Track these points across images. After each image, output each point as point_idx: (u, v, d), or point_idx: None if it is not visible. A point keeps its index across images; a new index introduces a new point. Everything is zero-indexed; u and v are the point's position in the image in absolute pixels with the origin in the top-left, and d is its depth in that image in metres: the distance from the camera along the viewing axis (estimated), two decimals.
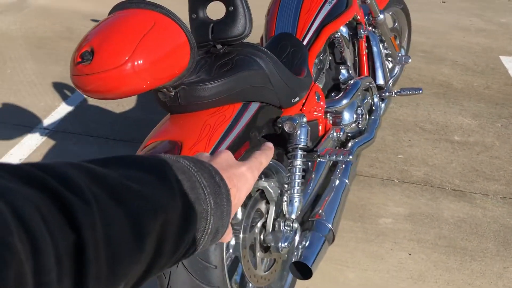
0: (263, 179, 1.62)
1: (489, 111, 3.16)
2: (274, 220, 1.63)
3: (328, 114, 2.07)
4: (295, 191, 1.59)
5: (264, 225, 1.63)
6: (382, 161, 2.65)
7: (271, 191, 1.59)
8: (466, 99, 3.28)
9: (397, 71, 3.18)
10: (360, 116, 2.14)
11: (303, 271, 1.57)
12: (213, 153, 1.31)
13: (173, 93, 1.33)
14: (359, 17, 2.34)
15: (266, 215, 1.64)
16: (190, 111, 1.40)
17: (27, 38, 3.82)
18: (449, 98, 3.28)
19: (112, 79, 1.11)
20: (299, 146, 1.62)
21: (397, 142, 2.82)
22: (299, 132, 1.62)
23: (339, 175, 1.91)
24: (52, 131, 2.79)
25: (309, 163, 1.87)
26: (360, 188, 2.45)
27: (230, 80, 1.41)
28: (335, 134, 2.02)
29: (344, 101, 2.05)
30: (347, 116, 2.11)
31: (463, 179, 2.54)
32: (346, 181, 1.90)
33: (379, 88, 2.52)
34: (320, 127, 2.00)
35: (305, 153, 1.65)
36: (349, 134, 2.17)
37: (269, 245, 1.59)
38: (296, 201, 1.59)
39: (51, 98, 3.10)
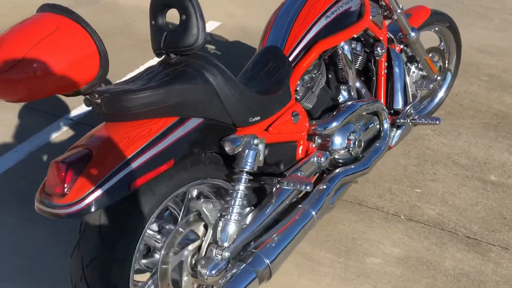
0: (201, 200, 1.53)
1: None
2: (210, 244, 1.53)
3: (313, 136, 1.91)
4: (232, 217, 1.48)
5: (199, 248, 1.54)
6: (394, 192, 2.40)
7: (207, 213, 1.50)
8: None
9: (441, 96, 2.88)
10: (353, 142, 1.95)
11: None
12: (122, 167, 1.26)
13: (98, 101, 1.30)
14: (374, 34, 2.14)
15: (203, 238, 1.55)
16: (116, 120, 1.36)
17: None
18: (500, 132, 2.90)
19: (1, 83, 1.10)
20: (244, 169, 1.50)
21: (419, 174, 2.54)
22: (246, 154, 1.50)
23: (307, 205, 1.75)
24: (75, 122, 2.92)
25: (273, 187, 1.73)
26: (359, 219, 2.24)
27: (159, 93, 1.34)
28: (315, 159, 1.86)
29: (333, 124, 1.89)
30: (337, 141, 1.94)
31: (483, 226, 2.22)
32: (313, 213, 1.73)
33: (397, 113, 2.29)
34: (299, 150, 1.85)
35: (250, 177, 1.53)
36: (340, 161, 1.99)
37: (196, 270, 1.50)
38: (230, 228, 1.48)
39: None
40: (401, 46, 2.47)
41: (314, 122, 1.91)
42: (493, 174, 2.55)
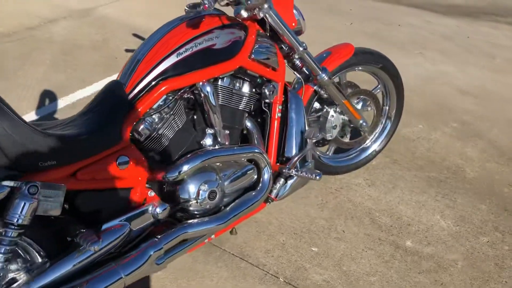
0: None
1: (487, 218, 2.38)
2: None
3: (156, 183, 1.74)
4: None
5: None
6: (286, 249, 2.15)
7: None
8: (468, 195, 2.52)
9: (374, 149, 2.60)
10: (203, 193, 1.75)
11: None
12: None
13: None
14: (259, 74, 1.93)
15: None
16: None
17: (63, 44, 4.06)
18: (443, 189, 2.56)
19: None
20: (10, 222, 1.35)
21: (326, 229, 2.27)
22: (14, 204, 1.36)
23: (117, 263, 1.57)
24: None
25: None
26: (231, 276, 2.01)
27: None
28: (150, 209, 1.68)
29: (176, 172, 1.70)
30: (183, 190, 1.75)
31: None
32: (122, 275, 1.55)
33: (288, 160, 2.05)
34: (132, 198, 1.68)
35: (21, 230, 1.38)
36: (191, 213, 1.79)
37: None
38: None
39: (27, 104, 3.20)
40: (314, 88, 2.23)
41: (157, 167, 1.73)
42: (411, 239, 2.23)
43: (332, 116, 2.33)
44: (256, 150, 1.90)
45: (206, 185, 1.75)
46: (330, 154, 2.55)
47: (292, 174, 1.98)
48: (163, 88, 1.67)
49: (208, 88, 1.76)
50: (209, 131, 1.84)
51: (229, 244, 2.14)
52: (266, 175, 1.95)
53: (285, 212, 2.35)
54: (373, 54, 2.39)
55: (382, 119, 2.61)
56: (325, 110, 2.34)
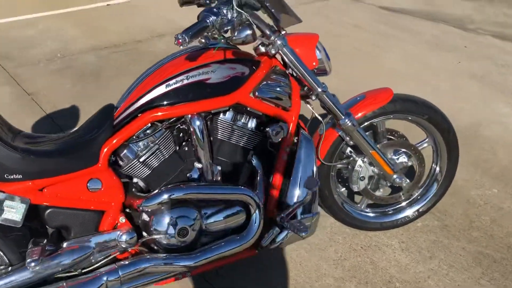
0: None
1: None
2: None
3: (131, 210, 1.74)
4: None
5: None
6: None
7: None
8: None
9: (406, 214, 2.30)
10: (173, 228, 1.70)
11: None
12: None
13: None
14: (262, 112, 1.82)
15: None
16: None
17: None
18: (493, 271, 2.13)
19: None
20: None
21: None
22: None
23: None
24: None
25: None
26: None
27: None
28: (118, 234, 1.69)
29: (148, 203, 1.68)
30: (154, 223, 1.71)
31: None
32: None
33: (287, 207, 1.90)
34: (103, 221, 1.70)
35: None
36: (164, 247, 1.74)
37: None
38: None
39: None
40: (339, 133, 2.04)
41: (136, 195, 1.72)
42: None
43: (360, 166, 2.11)
44: (245, 192, 1.79)
45: (178, 221, 1.70)
46: (362, 207, 2.31)
47: (283, 224, 1.83)
48: (147, 117, 1.67)
49: (197, 122, 1.71)
50: (197, 165, 1.78)
51: (219, 283, 2.05)
52: (256, 220, 1.82)
53: (294, 260, 2.18)
54: (417, 102, 2.10)
55: (427, 179, 2.29)
56: (352, 158, 2.13)
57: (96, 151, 1.64)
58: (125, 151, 1.70)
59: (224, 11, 1.66)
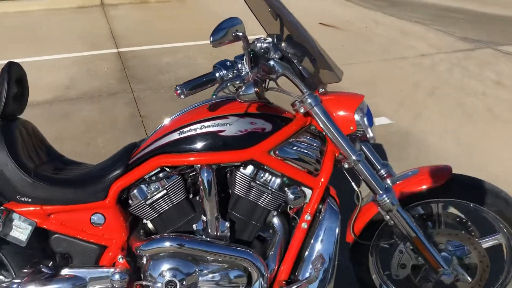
0: None
1: None
2: None
3: (131, 250, 1.74)
4: None
5: None
6: None
7: None
8: None
9: None
10: (161, 279, 1.65)
11: None
12: None
13: None
14: (281, 173, 1.68)
15: None
16: None
17: None
18: None
19: None
20: None
21: None
22: None
23: None
24: None
25: None
26: None
27: None
28: (112, 272, 1.71)
29: (145, 247, 1.67)
30: (148, 269, 1.70)
31: None
32: None
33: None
34: (103, 255, 1.74)
35: None
36: None
37: None
38: None
39: None
40: (378, 209, 1.78)
41: (139, 236, 1.71)
42: None
43: (401, 251, 1.81)
44: (249, 258, 1.65)
45: (169, 272, 1.64)
46: None
47: None
48: (156, 161, 1.66)
49: (206, 174, 1.64)
50: (204, 218, 1.71)
51: None
52: None
53: None
54: (482, 189, 1.73)
55: (490, 284, 1.86)
56: (394, 240, 1.84)
57: (106, 187, 1.68)
58: (135, 191, 1.70)
59: (239, 65, 1.58)
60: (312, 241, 1.71)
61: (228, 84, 1.59)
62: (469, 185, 1.75)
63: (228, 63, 1.57)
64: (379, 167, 1.85)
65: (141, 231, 1.77)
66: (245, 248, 1.68)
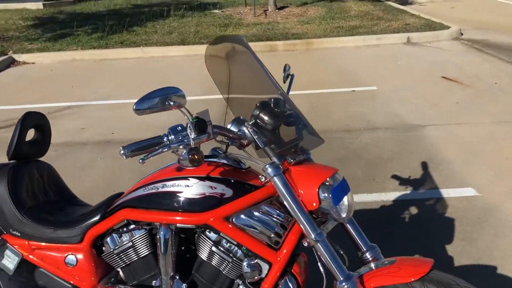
0: None
1: None
2: None
3: None
4: None
5: None
6: None
7: None
8: None
9: None
10: None
11: None
12: None
13: None
14: (237, 242, 1.63)
15: None
16: None
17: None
18: None
19: None
20: None
21: None
22: None
23: None
24: None
25: None
26: None
27: None
28: None
29: None
30: None
31: None
32: None
33: None
34: None
35: None
36: None
37: None
38: None
39: None
40: None
41: (104, 282, 1.78)
42: None
43: None
44: None
45: None
46: None
47: None
48: (121, 214, 1.73)
49: (162, 232, 1.67)
50: (163, 275, 1.72)
51: None
52: None
53: None
54: None
55: None
56: None
57: (83, 231, 1.80)
58: (108, 239, 1.80)
59: (188, 132, 1.56)
60: None
61: (170, 150, 1.56)
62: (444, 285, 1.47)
63: (179, 128, 1.58)
64: (364, 249, 1.68)
65: (112, 278, 1.85)
66: None
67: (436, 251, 2.76)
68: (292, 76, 2.05)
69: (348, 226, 1.70)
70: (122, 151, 1.52)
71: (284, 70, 2.03)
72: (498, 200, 3.30)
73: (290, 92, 2.07)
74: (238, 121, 1.68)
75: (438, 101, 5.48)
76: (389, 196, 3.41)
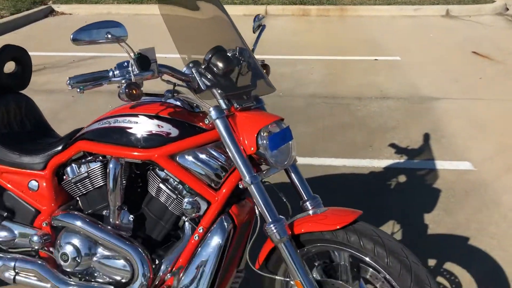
0: None
1: None
2: None
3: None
4: None
5: None
6: None
7: None
8: None
9: None
10: (59, 249, 1.85)
11: None
12: None
13: None
14: (180, 180, 1.70)
15: None
16: None
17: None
18: None
19: None
20: None
21: None
22: None
23: None
24: None
25: None
26: None
27: None
28: (31, 233, 1.96)
29: (56, 219, 1.87)
30: (55, 236, 1.89)
31: None
32: None
33: None
34: (31, 218, 1.99)
35: None
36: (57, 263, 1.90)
37: None
38: None
39: None
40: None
41: (62, 208, 1.91)
42: None
43: None
44: (132, 252, 1.72)
45: (64, 245, 1.81)
46: None
47: None
48: (77, 145, 1.82)
49: (111, 165, 1.76)
50: (109, 207, 1.82)
51: None
52: (135, 285, 1.72)
53: None
54: (377, 244, 1.46)
55: None
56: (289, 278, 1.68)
57: (46, 160, 1.92)
58: (68, 169, 1.91)
59: (132, 67, 1.58)
60: (195, 254, 1.69)
61: (112, 83, 1.60)
62: (366, 236, 1.49)
63: (125, 64, 1.61)
64: (305, 198, 1.72)
65: (71, 206, 1.97)
66: (133, 243, 1.75)
67: (413, 218, 2.75)
68: (263, 27, 2.05)
69: (292, 174, 1.73)
70: (68, 82, 1.59)
71: (255, 20, 2.03)
72: (492, 176, 3.23)
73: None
74: (194, 64, 1.72)
75: (461, 76, 5.30)
76: (381, 163, 3.39)
